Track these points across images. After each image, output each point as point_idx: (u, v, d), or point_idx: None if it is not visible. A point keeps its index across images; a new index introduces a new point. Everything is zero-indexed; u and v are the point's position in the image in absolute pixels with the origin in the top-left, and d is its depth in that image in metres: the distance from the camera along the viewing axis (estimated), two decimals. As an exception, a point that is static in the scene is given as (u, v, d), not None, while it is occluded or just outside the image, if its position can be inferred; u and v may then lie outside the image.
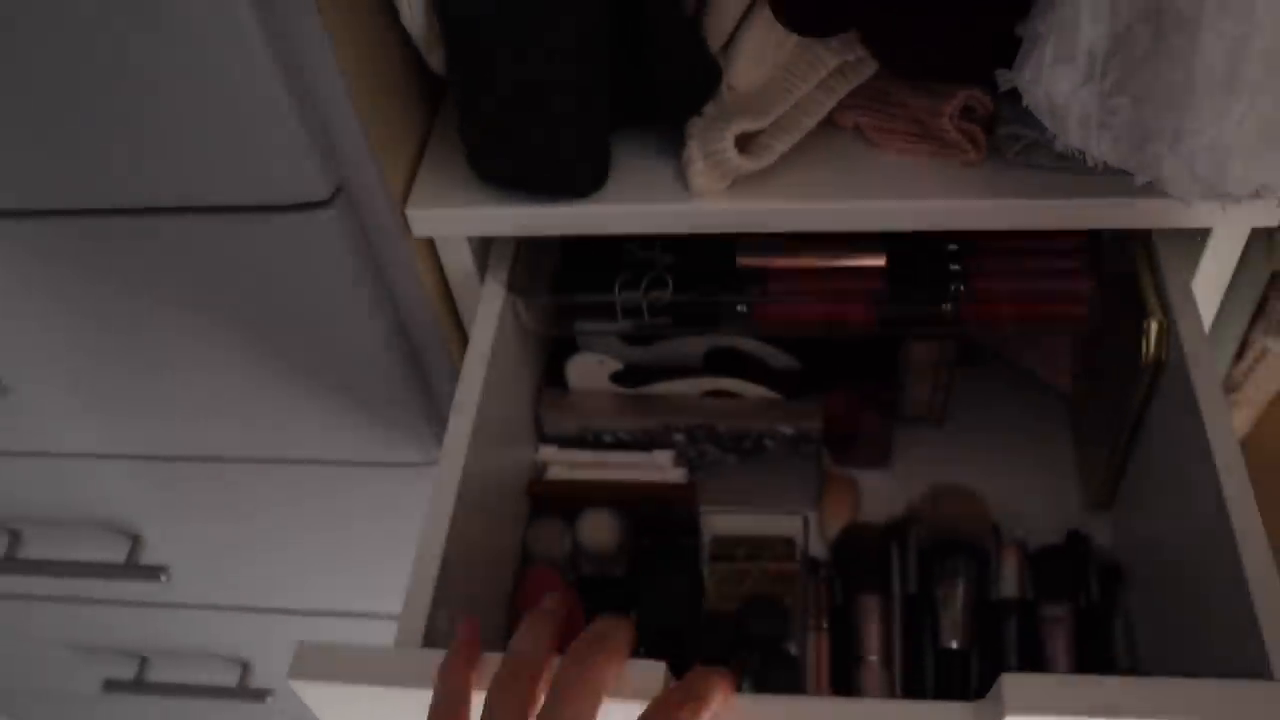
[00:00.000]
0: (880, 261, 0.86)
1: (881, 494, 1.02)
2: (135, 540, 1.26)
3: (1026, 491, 1.01)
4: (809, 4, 0.76)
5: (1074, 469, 1.02)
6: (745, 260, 0.87)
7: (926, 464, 1.03)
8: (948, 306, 0.85)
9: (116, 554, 1.25)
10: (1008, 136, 0.79)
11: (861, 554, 0.94)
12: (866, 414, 0.99)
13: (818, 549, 0.98)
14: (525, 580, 0.90)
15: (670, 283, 0.87)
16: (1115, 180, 0.74)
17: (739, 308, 0.86)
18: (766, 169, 0.78)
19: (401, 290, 0.89)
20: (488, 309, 0.87)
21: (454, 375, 0.91)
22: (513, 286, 0.87)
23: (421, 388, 0.97)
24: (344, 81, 0.72)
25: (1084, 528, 0.97)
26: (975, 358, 1.08)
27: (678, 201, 0.80)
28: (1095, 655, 0.89)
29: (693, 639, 0.86)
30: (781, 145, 0.79)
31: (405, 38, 0.79)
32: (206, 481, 1.13)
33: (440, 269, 0.90)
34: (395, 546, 1.00)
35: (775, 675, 0.84)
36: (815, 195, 0.80)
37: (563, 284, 0.89)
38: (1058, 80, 0.67)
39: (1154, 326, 0.82)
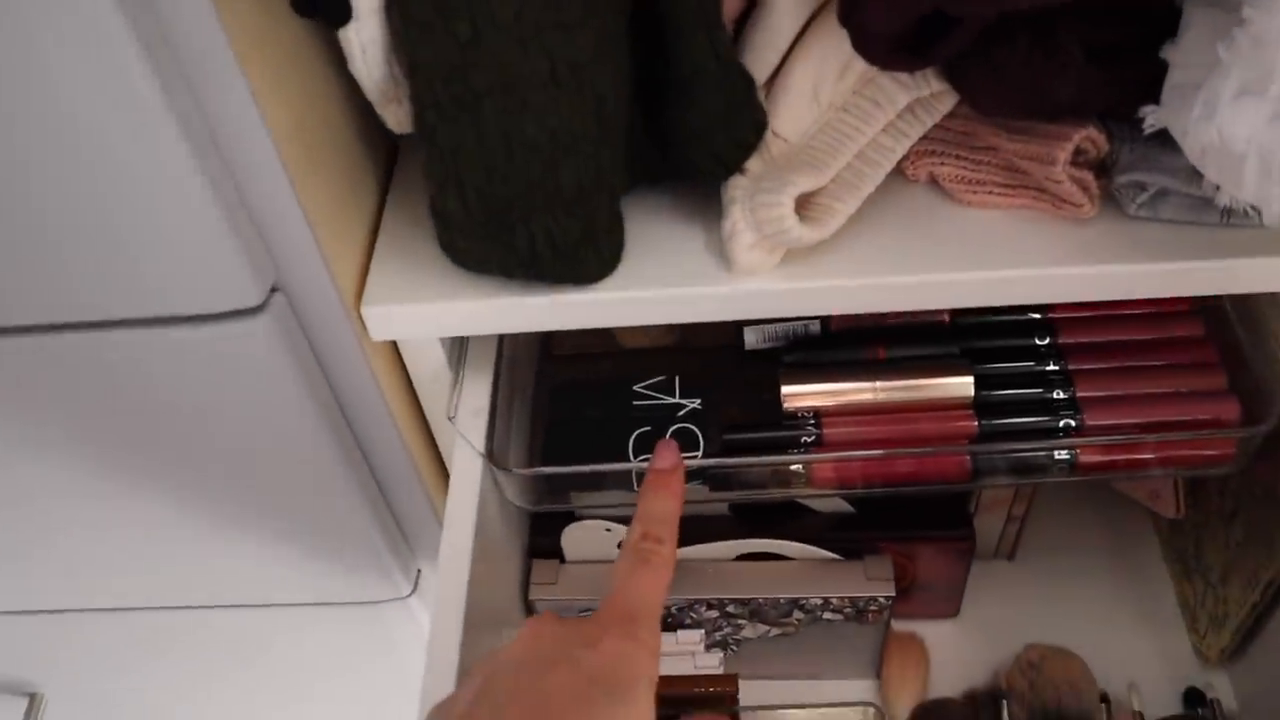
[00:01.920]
0: (968, 388, 0.67)
1: (950, 650, 0.83)
2: (32, 699, 1.04)
3: (1125, 642, 0.83)
4: (900, 28, 0.56)
5: (1178, 611, 0.85)
6: (793, 395, 0.68)
7: (1000, 609, 0.85)
8: (1062, 455, 0.66)
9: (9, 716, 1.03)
10: (1129, 185, 0.61)
11: (944, 744, 0.76)
12: (942, 565, 0.80)
13: (884, 733, 0.79)
14: None
15: (700, 437, 0.67)
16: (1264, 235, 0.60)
17: (792, 468, 0.67)
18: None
19: (358, 404, 0.69)
20: (465, 474, 0.67)
21: (424, 498, 0.75)
22: (492, 456, 0.66)
23: (385, 516, 0.77)
24: (275, 152, 0.52)
25: (1205, 687, 0.79)
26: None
27: (714, 283, 0.61)
28: None
29: None
30: (847, 207, 0.60)
31: (349, 91, 0.59)
32: (123, 632, 0.91)
33: (406, 376, 0.70)
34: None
35: None
36: (887, 267, 0.61)
37: (559, 448, 0.69)
38: (1240, 118, 0.50)
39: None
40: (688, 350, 0.76)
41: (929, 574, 0.80)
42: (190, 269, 0.57)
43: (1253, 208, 0.56)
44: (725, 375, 0.72)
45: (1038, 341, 0.71)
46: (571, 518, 0.75)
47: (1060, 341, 0.70)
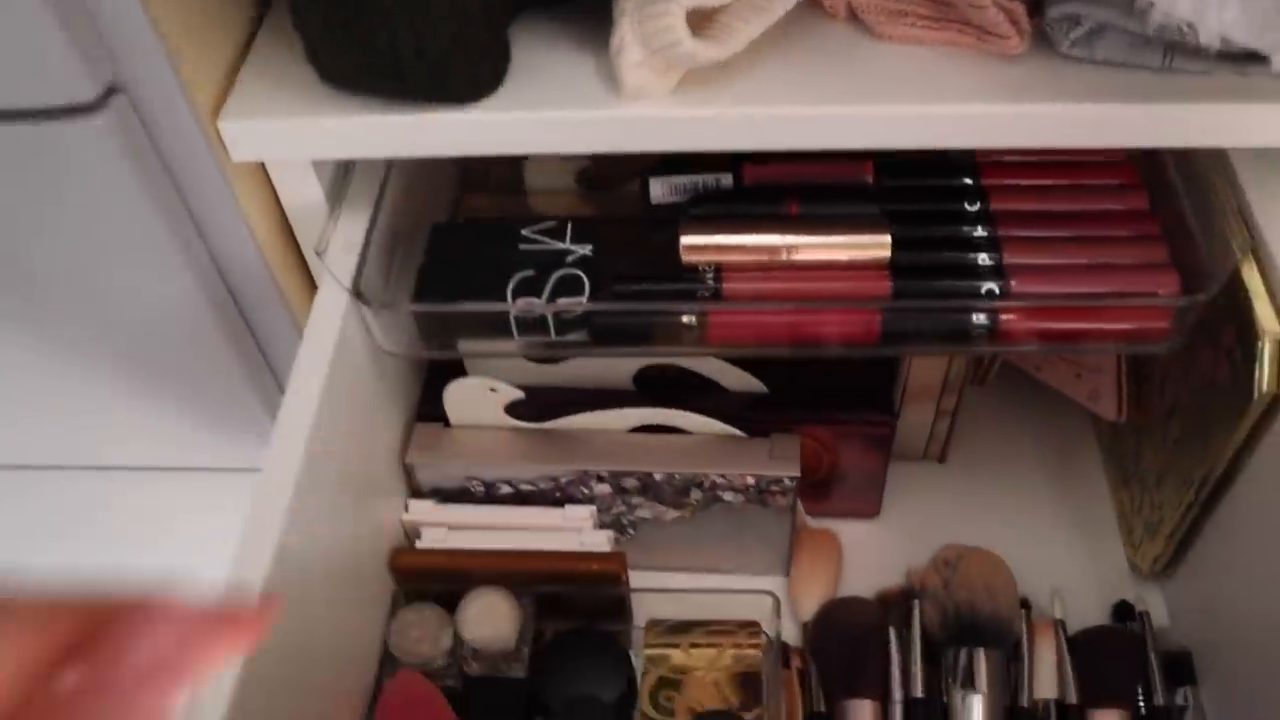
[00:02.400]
0: (884, 248, 0.61)
1: (869, 554, 0.77)
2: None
3: (1055, 550, 0.78)
4: None
5: (1115, 520, 0.79)
6: (692, 247, 0.62)
7: (924, 512, 0.79)
8: (981, 320, 0.60)
9: None
10: (1063, 19, 0.55)
11: (850, 642, 0.70)
12: (859, 453, 0.74)
13: (789, 633, 0.74)
14: (386, 691, 0.64)
15: (587, 284, 0.61)
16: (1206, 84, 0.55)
17: (685, 320, 0.61)
18: (726, 63, 0.54)
19: (221, 236, 0.63)
20: (326, 311, 0.61)
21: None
22: (358, 291, 0.60)
23: (256, 367, 0.71)
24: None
25: (1136, 600, 0.74)
26: (980, 370, 0.84)
27: (602, 107, 0.56)
28: (1164, 782, 0.66)
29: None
30: (750, 28, 0.54)
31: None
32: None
33: (281, 211, 0.65)
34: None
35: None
36: (795, 98, 0.56)
37: (431, 287, 0.63)
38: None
39: (1266, 347, 0.58)
40: (589, 200, 0.70)
41: (846, 464, 0.74)
42: (18, 59, 0.52)
43: (1189, 26, 0.50)
44: (623, 224, 0.67)
45: (967, 207, 0.65)
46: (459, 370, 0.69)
47: (992, 208, 0.65)
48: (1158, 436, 0.71)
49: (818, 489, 0.76)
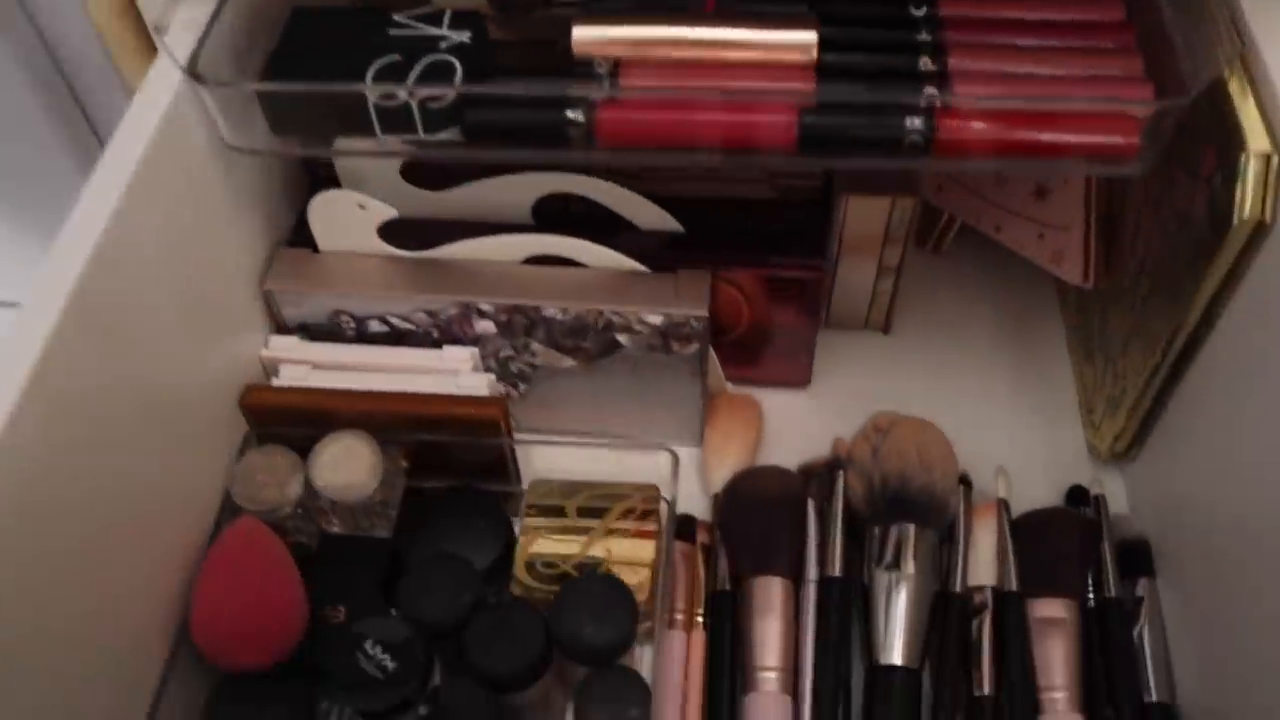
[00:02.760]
0: (810, 48, 0.52)
1: (796, 425, 0.69)
2: None
3: (1007, 430, 0.69)
4: None
5: (1075, 400, 0.70)
6: (587, 40, 0.53)
7: (863, 385, 0.71)
8: (916, 124, 0.51)
9: None
10: None
11: (762, 515, 0.61)
12: (786, 306, 0.65)
13: (695, 502, 0.65)
14: (220, 538, 0.56)
15: (460, 71, 0.52)
16: None
17: (569, 114, 0.52)
18: None
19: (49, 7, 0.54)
20: (152, 96, 0.52)
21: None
22: (194, 69, 0.51)
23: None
24: None
25: (1093, 485, 0.65)
26: (934, 234, 0.75)
27: None
28: (1112, 677, 0.58)
29: (486, 642, 0.53)
30: None
31: None
32: None
33: None
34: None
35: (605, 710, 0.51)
36: None
37: (281, 68, 0.54)
38: None
39: (1250, 164, 0.50)
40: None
41: (771, 320, 0.66)
42: None
43: None
44: (511, 13, 0.57)
45: (913, 10, 0.56)
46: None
47: (941, 12, 0.56)
48: (1126, 299, 0.63)
49: (741, 351, 0.68)
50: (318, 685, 0.56)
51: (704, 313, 0.59)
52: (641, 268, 0.61)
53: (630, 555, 0.59)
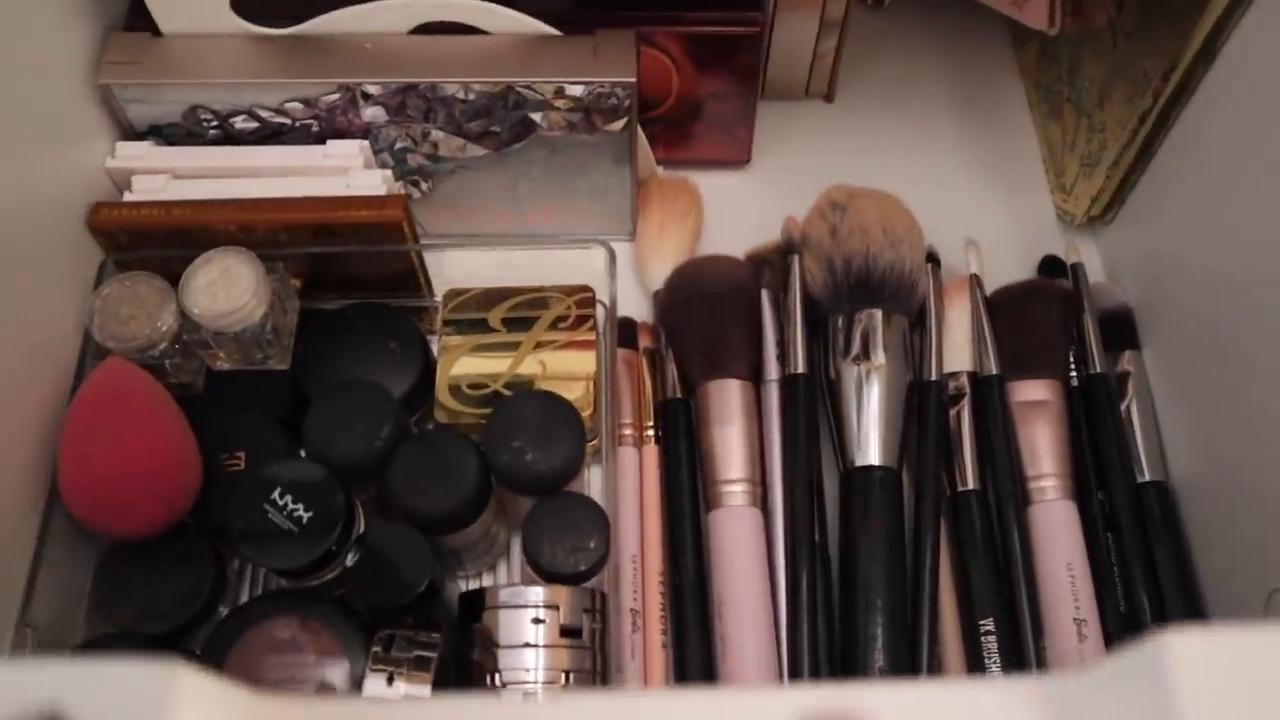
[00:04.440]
0: None
1: (738, 208, 0.61)
2: None
3: (970, 201, 0.63)
4: None
5: (1041, 163, 0.64)
6: None
7: (808, 160, 0.63)
8: None
9: None
10: None
11: (710, 310, 0.54)
12: (720, 72, 0.56)
13: (633, 302, 0.58)
14: (84, 390, 0.47)
15: None
16: None
17: None
18: None
19: None
20: None
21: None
22: None
23: None
24: None
25: (1067, 253, 0.59)
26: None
27: None
28: (1101, 459, 0.53)
29: (413, 479, 0.45)
30: None
31: None
32: None
33: None
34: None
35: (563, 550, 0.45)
36: None
37: None
38: None
39: None
40: None
41: (703, 89, 0.57)
42: None
43: None
44: None
45: None
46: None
47: None
48: (1103, 40, 0.55)
49: (670, 128, 0.59)
50: (223, 544, 0.48)
51: (632, 78, 0.50)
52: (552, 30, 0.51)
53: (567, 368, 0.52)
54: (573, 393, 0.51)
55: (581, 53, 0.50)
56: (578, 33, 0.51)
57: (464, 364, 0.52)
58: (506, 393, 0.51)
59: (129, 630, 0.46)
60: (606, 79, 0.50)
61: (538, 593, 0.44)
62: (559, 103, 0.51)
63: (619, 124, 0.52)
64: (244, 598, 0.51)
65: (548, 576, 0.45)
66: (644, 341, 0.56)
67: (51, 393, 0.48)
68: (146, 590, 0.46)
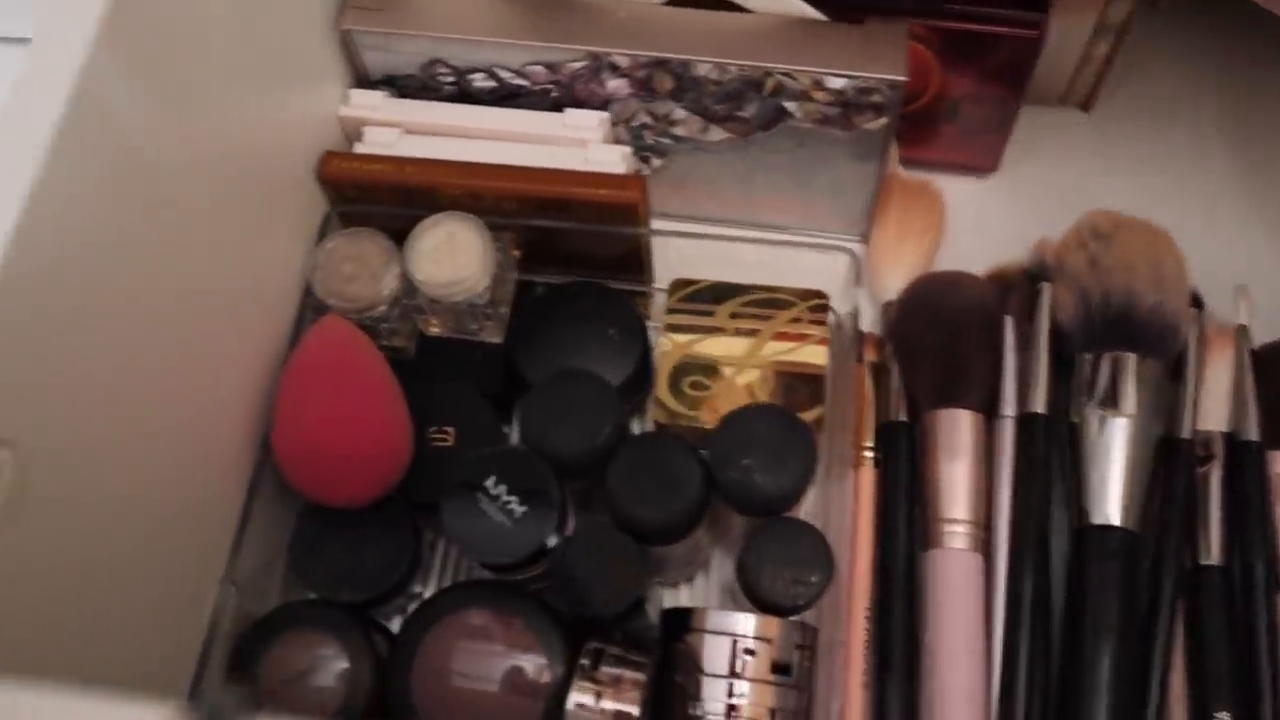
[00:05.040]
0: None
1: (982, 219, 0.57)
2: None
3: (1239, 236, 0.57)
4: None
5: (1326, 196, 0.58)
6: None
7: (1059, 174, 0.58)
8: None
9: None
10: None
11: (948, 332, 0.50)
12: (975, 69, 0.52)
13: (866, 316, 0.54)
14: (302, 342, 0.45)
15: None
16: None
17: None
18: None
19: None
20: None
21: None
22: None
23: None
24: None
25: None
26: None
27: None
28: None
29: (633, 485, 0.43)
30: None
31: None
32: None
33: None
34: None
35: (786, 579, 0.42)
36: None
37: None
38: None
39: None
40: None
41: (964, 87, 0.53)
42: None
43: None
44: None
45: None
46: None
47: None
48: None
49: (917, 125, 0.55)
50: (421, 518, 0.47)
51: (902, 76, 0.46)
52: (818, 15, 0.47)
53: (795, 378, 0.48)
54: (797, 405, 0.47)
55: (849, 43, 0.47)
56: (845, 20, 0.47)
57: (687, 361, 0.49)
58: (736, 402, 0.48)
59: (324, 597, 0.45)
60: (874, 75, 0.46)
61: (750, 622, 0.42)
62: (817, 94, 0.47)
63: (877, 123, 0.48)
64: (435, 572, 0.49)
65: (762, 606, 0.42)
66: (870, 354, 0.52)
67: (269, 344, 0.47)
68: (344, 557, 0.45)
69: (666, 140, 0.51)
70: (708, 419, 0.47)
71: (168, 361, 0.39)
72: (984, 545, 0.48)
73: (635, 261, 0.51)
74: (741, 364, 0.48)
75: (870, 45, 0.47)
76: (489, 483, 0.42)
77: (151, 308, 0.38)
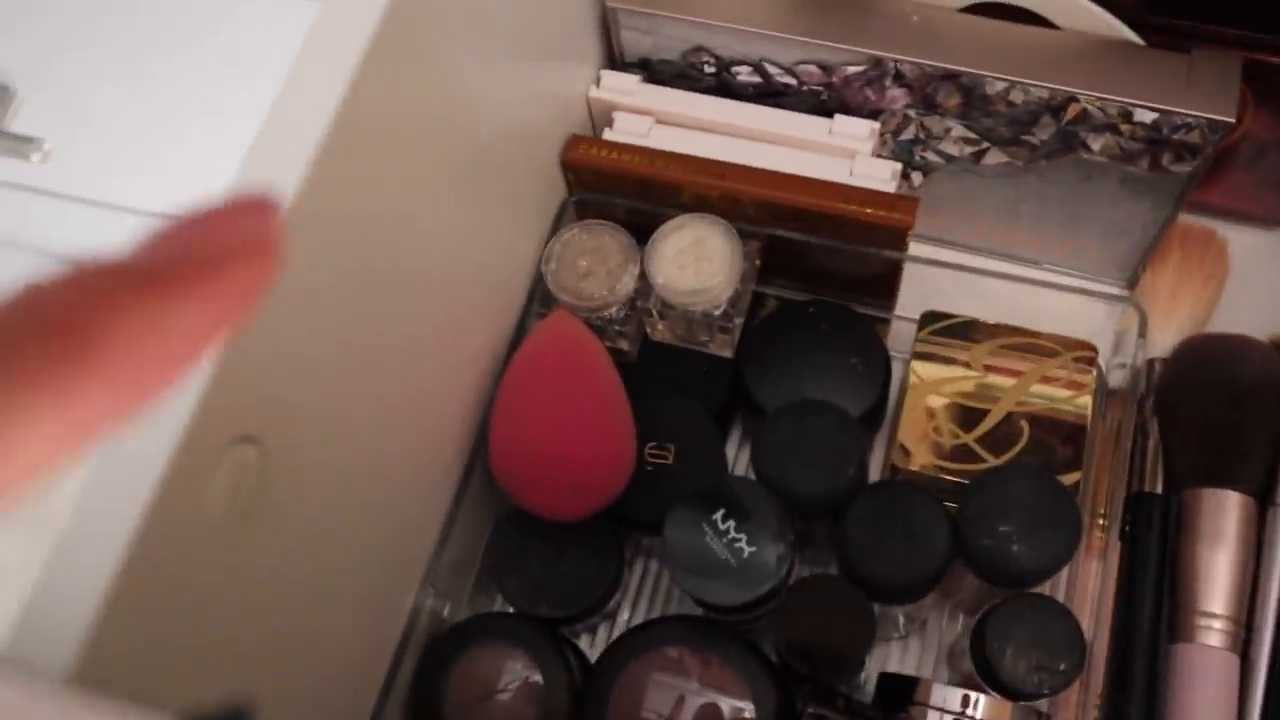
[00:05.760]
0: None
1: (1265, 279, 0.51)
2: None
3: None
4: None
5: None
6: None
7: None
8: None
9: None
10: None
11: (1224, 400, 0.45)
12: (1298, 114, 0.46)
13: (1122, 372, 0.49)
14: (531, 336, 0.43)
15: None
16: None
17: None
18: None
19: None
20: None
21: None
22: None
23: None
24: None
25: None
26: None
27: None
28: None
29: (872, 537, 0.39)
30: None
31: None
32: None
33: None
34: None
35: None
36: None
37: None
38: None
39: None
40: None
41: (1275, 130, 0.47)
42: None
43: None
44: None
45: None
46: None
47: None
48: None
49: (1211, 167, 0.49)
50: (625, 534, 0.44)
51: (1230, 117, 0.41)
52: (1134, 37, 0.42)
53: (1052, 432, 0.44)
54: (1055, 467, 0.43)
55: (1171, 73, 0.42)
56: (1166, 46, 0.42)
57: (935, 404, 0.45)
58: (981, 453, 0.43)
59: (520, 610, 0.43)
60: (1198, 113, 0.41)
61: (980, 703, 0.38)
62: (1124, 127, 0.42)
63: (1187, 166, 0.43)
64: (631, 592, 0.46)
65: (997, 685, 0.38)
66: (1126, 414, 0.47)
67: (495, 336, 0.44)
68: (543, 569, 0.43)
69: (935, 158, 0.47)
70: (954, 472, 0.43)
71: (398, 351, 0.37)
72: (1243, 646, 0.43)
73: (885, 286, 0.47)
74: (997, 411, 0.44)
75: (1196, 78, 0.42)
76: (718, 515, 0.39)
77: (391, 289, 0.36)
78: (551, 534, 0.43)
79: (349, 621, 0.37)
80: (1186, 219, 0.51)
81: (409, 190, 0.35)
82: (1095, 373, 0.45)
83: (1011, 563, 0.38)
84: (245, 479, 0.28)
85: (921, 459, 0.43)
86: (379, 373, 0.36)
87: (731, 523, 0.39)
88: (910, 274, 0.48)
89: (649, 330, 0.46)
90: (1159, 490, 0.46)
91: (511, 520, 0.43)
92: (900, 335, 0.48)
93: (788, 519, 0.39)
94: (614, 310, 0.44)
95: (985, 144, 0.45)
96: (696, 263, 0.43)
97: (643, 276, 0.44)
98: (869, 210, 0.43)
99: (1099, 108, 0.42)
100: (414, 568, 0.41)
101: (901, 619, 0.43)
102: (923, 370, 0.45)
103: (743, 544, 0.38)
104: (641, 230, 0.44)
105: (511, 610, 0.43)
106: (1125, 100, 0.41)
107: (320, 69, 0.30)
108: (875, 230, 0.43)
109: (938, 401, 0.44)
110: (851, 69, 0.44)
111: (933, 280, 0.48)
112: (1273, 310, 0.49)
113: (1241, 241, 0.51)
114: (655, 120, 0.46)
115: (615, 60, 0.48)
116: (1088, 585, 0.43)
